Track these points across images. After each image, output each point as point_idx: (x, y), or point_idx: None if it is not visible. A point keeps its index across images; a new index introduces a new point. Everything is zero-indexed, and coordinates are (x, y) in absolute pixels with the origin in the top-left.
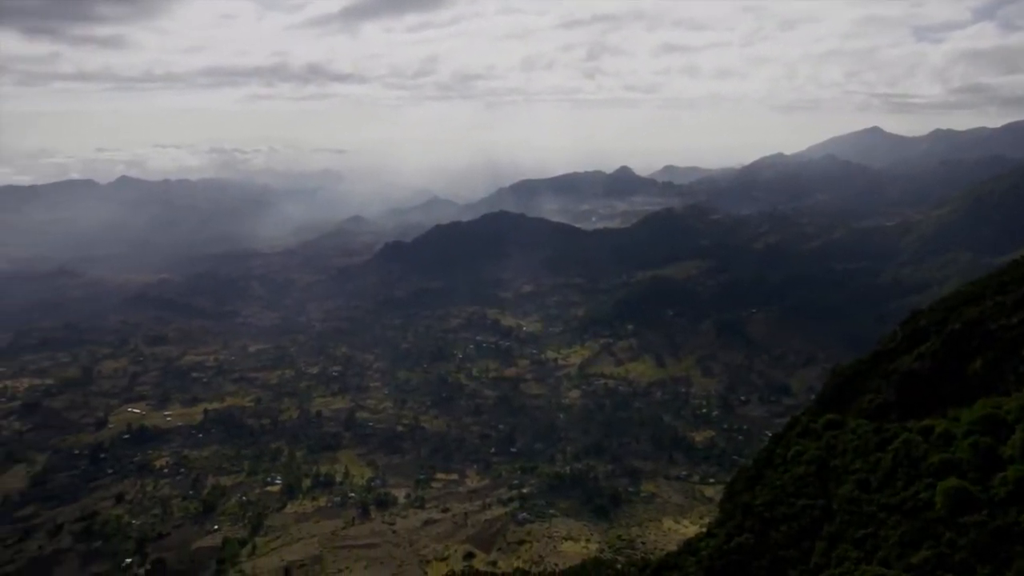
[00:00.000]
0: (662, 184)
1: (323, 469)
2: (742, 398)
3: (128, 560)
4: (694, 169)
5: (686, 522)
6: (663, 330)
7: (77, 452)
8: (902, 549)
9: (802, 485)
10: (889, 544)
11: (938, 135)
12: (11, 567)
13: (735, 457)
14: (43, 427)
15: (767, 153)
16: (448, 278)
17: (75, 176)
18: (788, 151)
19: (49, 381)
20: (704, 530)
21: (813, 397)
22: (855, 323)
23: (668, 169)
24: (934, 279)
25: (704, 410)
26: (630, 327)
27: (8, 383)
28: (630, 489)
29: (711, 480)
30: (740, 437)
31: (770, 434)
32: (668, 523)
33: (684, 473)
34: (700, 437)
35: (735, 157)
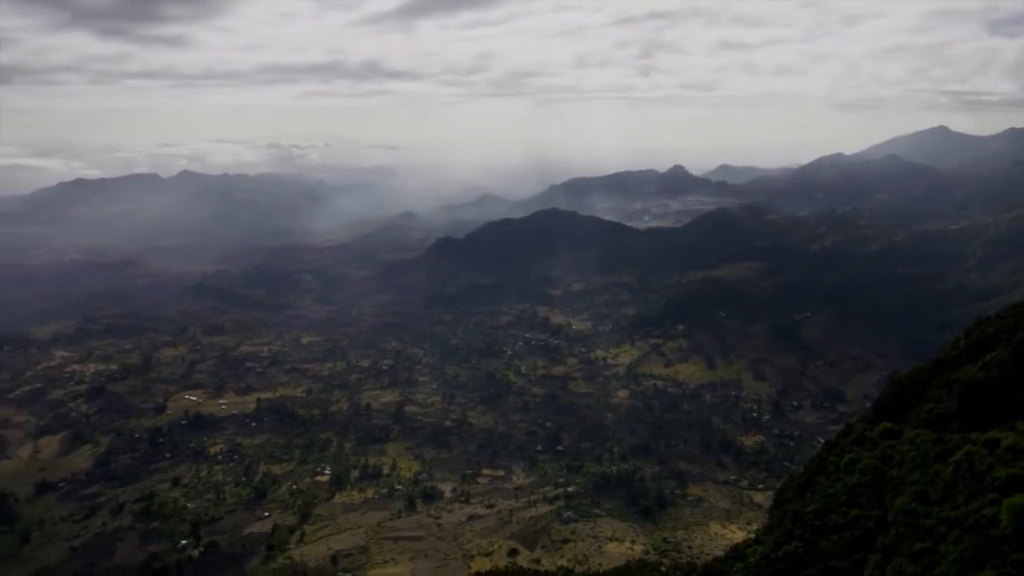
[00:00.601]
0: (716, 183)
1: (371, 461)
2: (794, 403)
3: (183, 541)
4: (750, 168)
5: (733, 527)
6: (714, 332)
7: (138, 435)
8: (963, 567)
9: (855, 495)
10: (949, 560)
11: (1011, 134)
12: (78, 541)
13: (785, 463)
14: (107, 410)
15: (826, 153)
16: (498, 275)
17: (141, 170)
18: (848, 151)
19: (113, 366)
20: (752, 536)
21: (869, 405)
22: (915, 330)
23: (723, 168)
24: (1003, 285)
25: (754, 414)
26: (680, 328)
27: (76, 367)
28: (677, 491)
29: (760, 486)
30: (791, 443)
31: (822, 441)
32: (715, 527)
33: (732, 477)
34: (750, 441)
35: (793, 156)
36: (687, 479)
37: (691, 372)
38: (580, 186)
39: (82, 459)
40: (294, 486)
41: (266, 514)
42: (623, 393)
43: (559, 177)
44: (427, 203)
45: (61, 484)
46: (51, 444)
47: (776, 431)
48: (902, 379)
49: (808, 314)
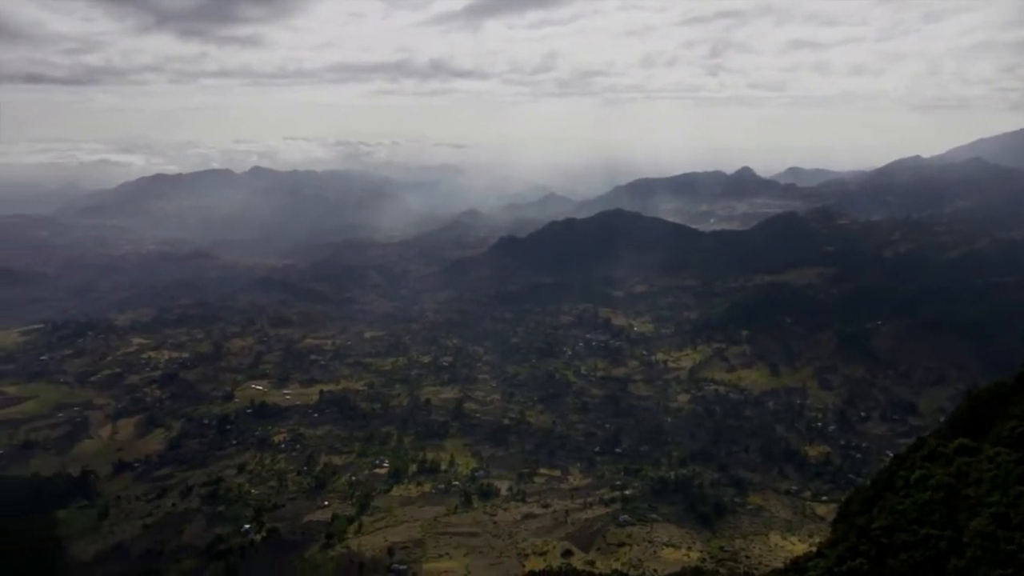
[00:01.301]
0: (785, 186)
1: (429, 456)
2: (862, 414)
3: (247, 526)
4: (820, 171)
5: (794, 539)
6: (779, 338)
7: (206, 422)
8: None
9: (926, 512)
10: None
11: None
12: (150, 520)
13: (851, 476)
14: (179, 396)
15: (903, 155)
16: (561, 274)
17: (215, 166)
18: (927, 153)
19: (185, 354)
20: (813, 549)
21: (943, 419)
22: (997, 342)
23: (792, 171)
24: None
25: (819, 424)
26: (744, 333)
27: (151, 354)
28: (736, 499)
29: (823, 498)
30: (858, 455)
31: (891, 454)
32: (774, 538)
33: (794, 488)
34: (814, 452)
35: (866, 159)
36: (747, 487)
37: (754, 378)
38: (645, 187)
39: (155, 442)
40: (353, 477)
41: (326, 503)
42: (684, 397)
43: (624, 178)
44: (491, 202)
45: (136, 464)
46: (127, 426)
47: (842, 442)
48: (982, 393)
49: (879, 322)
